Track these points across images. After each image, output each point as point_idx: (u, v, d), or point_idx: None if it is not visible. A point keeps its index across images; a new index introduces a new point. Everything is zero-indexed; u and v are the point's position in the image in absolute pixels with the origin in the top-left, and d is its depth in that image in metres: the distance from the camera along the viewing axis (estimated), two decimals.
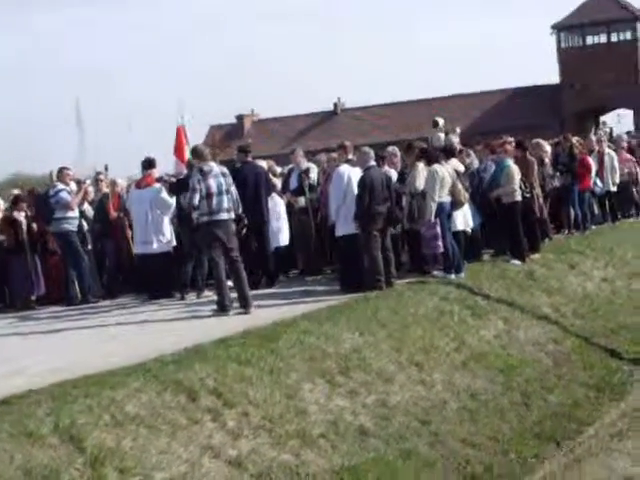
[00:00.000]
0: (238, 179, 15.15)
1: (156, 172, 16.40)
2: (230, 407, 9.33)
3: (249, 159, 16.51)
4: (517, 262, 16.82)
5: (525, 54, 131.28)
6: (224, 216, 13.55)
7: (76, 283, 16.54)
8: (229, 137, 71.29)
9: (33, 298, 17.07)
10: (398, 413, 10.63)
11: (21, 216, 16.97)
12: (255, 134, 70.12)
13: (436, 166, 14.99)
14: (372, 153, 15.38)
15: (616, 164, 22.85)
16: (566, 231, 20.75)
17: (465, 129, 28.85)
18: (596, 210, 22.60)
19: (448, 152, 16.36)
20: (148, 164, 16.36)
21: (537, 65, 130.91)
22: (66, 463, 7.47)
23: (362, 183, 14.50)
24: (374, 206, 14.36)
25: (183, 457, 8.25)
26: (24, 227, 16.90)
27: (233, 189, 13.91)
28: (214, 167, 14.01)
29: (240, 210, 14.13)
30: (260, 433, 9.13)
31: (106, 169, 18.94)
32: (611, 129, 44.86)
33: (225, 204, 13.54)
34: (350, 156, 15.67)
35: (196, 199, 13.36)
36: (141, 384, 9.17)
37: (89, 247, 17.25)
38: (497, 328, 13.91)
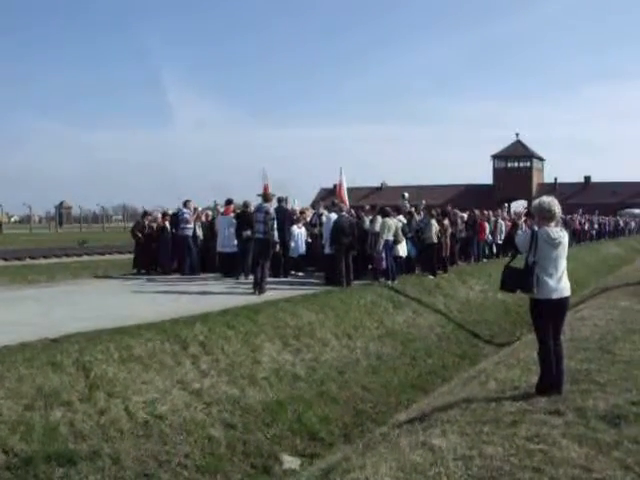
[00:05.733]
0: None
1: (232, 207, 16.10)
2: (208, 355, 8.44)
3: (283, 204, 15.83)
4: (431, 277, 16.21)
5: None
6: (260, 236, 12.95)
7: (188, 262, 16.37)
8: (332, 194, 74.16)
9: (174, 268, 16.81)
10: (325, 366, 9.77)
11: (167, 224, 17.11)
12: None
13: (387, 219, 14.54)
14: (345, 207, 15.12)
15: (504, 228, 22.32)
16: (469, 262, 20.29)
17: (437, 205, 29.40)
18: (487, 252, 22.09)
19: (397, 211, 15.99)
20: (229, 202, 16.20)
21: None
22: (69, 387, 6.67)
23: (334, 225, 14.08)
24: (341, 238, 13.94)
25: (160, 387, 7.41)
26: (168, 230, 17.01)
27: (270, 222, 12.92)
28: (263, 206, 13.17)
29: (275, 235, 13.26)
30: (222, 374, 8.26)
31: (215, 204, 18.49)
32: (509, 209, 51.50)
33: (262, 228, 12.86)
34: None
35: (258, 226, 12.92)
36: (152, 335, 8.31)
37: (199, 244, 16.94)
38: (407, 315, 13.21)
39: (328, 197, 70.85)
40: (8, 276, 17.61)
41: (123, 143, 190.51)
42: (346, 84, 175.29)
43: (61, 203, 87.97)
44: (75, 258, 26.37)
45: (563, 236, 5.90)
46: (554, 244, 5.79)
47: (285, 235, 15.31)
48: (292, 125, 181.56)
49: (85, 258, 26.51)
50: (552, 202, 5.86)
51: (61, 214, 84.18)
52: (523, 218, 7.36)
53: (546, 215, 5.83)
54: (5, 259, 24.72)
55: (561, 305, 5.87)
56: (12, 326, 8.84)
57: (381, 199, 66.13)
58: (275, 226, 13.10)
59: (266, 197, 13.67)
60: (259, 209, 13.16)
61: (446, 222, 17.20)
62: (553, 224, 5.89)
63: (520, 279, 5.83)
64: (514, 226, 19.23)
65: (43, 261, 24.65)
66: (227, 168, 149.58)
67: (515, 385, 6.48)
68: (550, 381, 5.84)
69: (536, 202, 5.94)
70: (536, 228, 5.93)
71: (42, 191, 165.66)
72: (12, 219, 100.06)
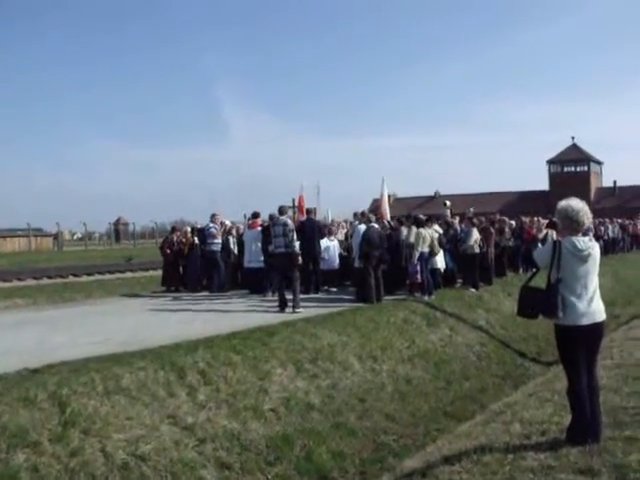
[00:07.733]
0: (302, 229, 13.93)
1: (259, 220, 15.29)
2: (207, 384, 7.61)
3: (311, 216, 15.28)
4: (472, 290, 15.08)
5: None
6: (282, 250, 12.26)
7: (215, 279, 15.79)
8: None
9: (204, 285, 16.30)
10: (343, 393, 8.85)
11: (196, 240, 16.48)
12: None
13: (421, 229, 13.57)
14: (373, 217, 14.08)
15: (554, 236, 21.05)
16: (517, 272, 18.75)
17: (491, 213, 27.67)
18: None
19: (433, 220, 14.91)
20: (255, 215, 15.47)
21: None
22: (39, 425, 5.88)
23: (362, 237, 13.10)
24: (370, 250, 13.00)
25: (146, 423, 6.55)
26: (197, 245, 16.38)
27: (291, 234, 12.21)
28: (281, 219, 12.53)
29: (296, 247, 12.37)
30: (221, 406, 7.39)
31: (246, 216, 17.66)
32: None
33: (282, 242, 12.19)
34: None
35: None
36: (146, 363, 7.52)
37: (231, 260, 16.35)
38: (443, 333, 12.15)
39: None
40: (45, 295, 17.34)
41: (181, 160, 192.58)
42: (401, 93, 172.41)
43: (118, 219, 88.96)
44: (118, 275, 25.99)
45: (593, 247, 4.78)
46: (582, 257, 4.69)
47: (315, 248, 14.46)
48: (343, 135, 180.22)
49: (128, 275, 26.13)
50: (579, 206, 4.73)
51: (118, 230, 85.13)
52: (544, 231, 6.02)
53: (571, 225, 4.71)
54: (49, 277, 24.53)
55: (594, 332, 4.74)
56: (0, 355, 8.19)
57: (434, 208, 64.65)
58: (295, 237, 12.24)
59: (281, 210, 12.79)
60: (277, 223, 12.39)
61: (492, 230, 16.13)
62: (580, 234, 4.75)
63: (541, 302, 4.73)
64: (533, 240, 17.66)
65: (85, 279, 24.28)
66: (275, 180, 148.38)
67: (543, 429, 5.37)
68: (584, 426, 4.68)
69: (561, 206, 4.79)
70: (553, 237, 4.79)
71: (106, 208, 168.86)
72: (75, 236, 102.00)
